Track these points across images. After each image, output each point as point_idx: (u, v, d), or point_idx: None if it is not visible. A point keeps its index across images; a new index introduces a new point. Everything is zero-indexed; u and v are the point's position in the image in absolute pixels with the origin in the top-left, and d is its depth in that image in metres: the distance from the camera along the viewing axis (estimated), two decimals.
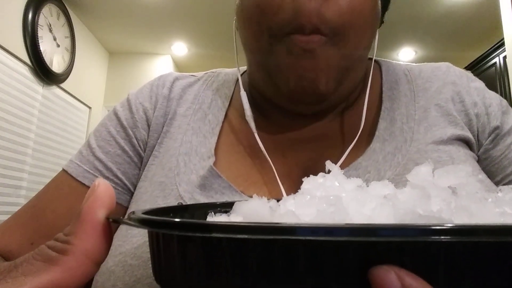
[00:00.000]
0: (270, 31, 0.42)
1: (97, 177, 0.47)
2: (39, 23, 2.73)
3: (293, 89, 0.43)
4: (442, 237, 0.16)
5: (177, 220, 0.19)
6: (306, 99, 0.45)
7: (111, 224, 0.24)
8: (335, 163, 0.42)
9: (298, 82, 0.42)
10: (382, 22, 0.54)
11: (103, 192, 0.24)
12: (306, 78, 0.42)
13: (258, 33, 0.43)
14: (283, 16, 0.41)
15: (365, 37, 0.45)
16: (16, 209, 0.48)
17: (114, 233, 0.42)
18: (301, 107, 0.48)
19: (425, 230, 0.16)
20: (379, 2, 0.46)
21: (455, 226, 0.16)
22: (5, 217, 0.48)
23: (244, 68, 0.57)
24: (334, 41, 0.41)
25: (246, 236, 0.17)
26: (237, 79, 0.56)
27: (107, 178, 0.48)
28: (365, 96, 0.49)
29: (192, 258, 0.19)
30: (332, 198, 0.21)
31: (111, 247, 0.25)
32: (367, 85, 0.50)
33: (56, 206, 0.47)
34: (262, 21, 0.42)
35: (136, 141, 0.50)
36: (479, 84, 0.53)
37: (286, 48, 0.41)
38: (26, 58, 2.66)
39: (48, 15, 2.88)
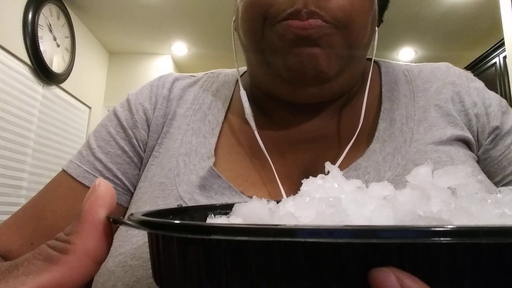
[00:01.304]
0: (264, 20, 0.42)
1: (97, 177, 0.47)
2: (39, 23, 2.73)
3: (292, 69, 0.43)
4: (442, 238, 0.16)
5: (177, 222, 0.19)
6: (306, 79, 0.44)
7: (111, 224, 0.24)
8: (334, 164, 0.42)
9: (297, 62, 0.42)
10: (381, 21, 0.54)
11: (103, 191, 0.24)
12: (305, 57, 0.41)
13: (253, 25, 0.44)
14: (278, 5, 0.41)
15: (365, 33, 0.45)
16: (16, 209, 0.48)
17: (115, 233, 0.42)
18: (302, 93, 0.47)
19: (425, 232, 0.16)
20: (376, 1, 0.47)
21: (455, 227, 0.16)
22: (5, 217, 0.48)
23: (244, 68, 0.57)
24: (337, 29, 0.41)
25: (245, 238, 0.17)
26: (237, 80, 0.56)
27: (107, 178, 0.48)
28: (364, 95, 0.49)
29: (192, 260, 0.19)
30: (332, 200, 0.21)
31: (111, 248, 0.25)
32: (366, 85, 0.49)
33: (56, 207, 0.47)
34: (258, 13, 0.42)
35: (136, 142, 0.50)
36: (479, 84, 0.52)
37: (279, 34, 0.41)
38: (26, 58, 2.66)
39: (48, 15, 2.88)
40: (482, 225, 0.17)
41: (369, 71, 0.50)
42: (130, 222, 0.21)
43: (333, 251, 0.17)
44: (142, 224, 0.20)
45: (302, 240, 0.17)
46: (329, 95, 0.48)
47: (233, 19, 0.51)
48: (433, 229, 0.16)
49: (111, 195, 0.24)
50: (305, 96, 0.48)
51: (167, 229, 0.19)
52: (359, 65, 0.49)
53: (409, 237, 0.16)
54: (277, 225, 0.17)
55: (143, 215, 0.23)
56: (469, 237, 0.16)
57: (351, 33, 0.42)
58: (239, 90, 0.51)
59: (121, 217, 0.23)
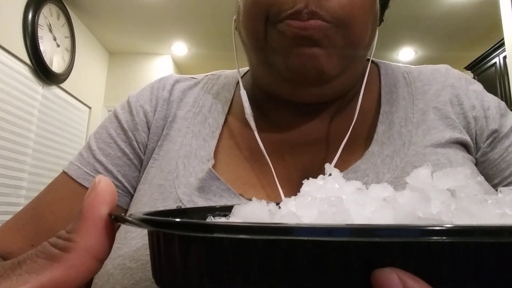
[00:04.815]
0: (266, 19, 0.42)
1: None
2: (39, 23, 2.73)
3: (294, 69, 0.43)
4: (444, 237, 0.16)
5: (178, 220, 0.19)
6: (308, 79, 0.44)
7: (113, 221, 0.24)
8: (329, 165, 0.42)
9: (298, 62, 0.42)
10: (381, 20, 0.54)
11: (104, 188, 0.23)
12: (307, 58, 0.41)
13: (254, 24, 0.44)
14: (280, 5, 0.41)
15: (366, 33, 0.45)
16: (16, 209, 0.49)
17: (116, 231, 0.42)
18: (303, 93, 0.47)
19: (426, 231, 0.16)
20: (378, 0, 0.47)
21: (456, 226, 0.16)
22: (5, 217, 0.48)
23: (244, 69, 0.57)
24: (338, 28, 0.41)
25: (247, 237, 0.17)
26: (237, 82, 0.56)
27: None
28: (362, 97, 0.49)
29: (193, 259, 0.19)
30: (334, 199, 0.21)
31: None
32: (363, 86, 0.49)
33: (56, 208, 0.47)
34: (259, 13, 0.43)
35: (136, 144, 0.50)
36: (478, 87, 0.52)
37: (279, 33, 0.41)
38: (26, 58, 2.66)
39: (48, 15, 2.88)
40: (483, 224, 0.17)
41: (366, 70, 0.50)
42: (132, 219, 0.21)
43: (334, 250, 0.17)
44: (144, 222, 0.20)
45: (304, 238, 0.17)
46: (330, 95, 0.48)
47: (234, 18, 0.51)
48: (434, 227, 0.16)
49: (111, 192, 0.24)
50: (306, 96, 0.48)
51: (169, 227, 0.19)
52: (360, 65, 0.49)
53: (410, 235, 0.16)
54: (278, 223, 0.17)
55: (144, 215, 0.23)
56: (470, 236, 0.16)
57: (352, 33, 0.42)
58: (240, 91, 0.51)
59: (123, 214, 0.23)
